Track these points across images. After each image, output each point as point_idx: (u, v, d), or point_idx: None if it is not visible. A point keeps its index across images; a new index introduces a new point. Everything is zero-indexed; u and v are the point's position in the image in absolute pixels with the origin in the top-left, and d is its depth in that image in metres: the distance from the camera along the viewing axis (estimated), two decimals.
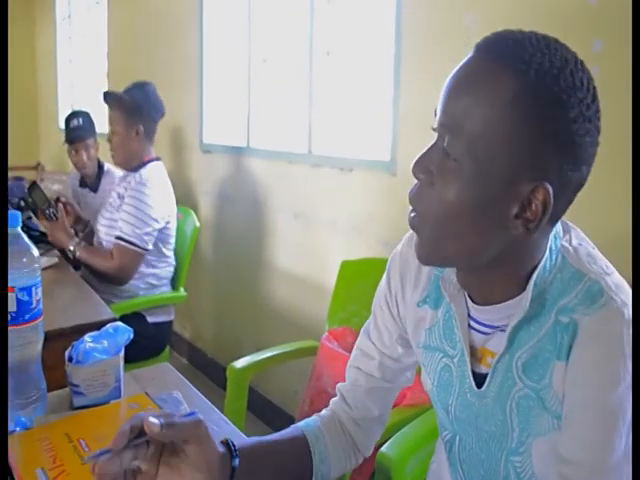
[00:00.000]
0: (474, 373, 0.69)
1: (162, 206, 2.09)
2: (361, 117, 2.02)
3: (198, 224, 2.37)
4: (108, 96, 2.12)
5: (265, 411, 2.43)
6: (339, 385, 0.89)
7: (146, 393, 1.01)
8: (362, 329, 0.88)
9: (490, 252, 0.62)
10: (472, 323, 0.69)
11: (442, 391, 0.73)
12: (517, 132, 0.56)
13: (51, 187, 4.23)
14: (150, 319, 2.20)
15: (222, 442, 0.69)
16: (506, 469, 0.67)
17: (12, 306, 0.85)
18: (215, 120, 2.80)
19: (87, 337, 1.00)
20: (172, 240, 2.22)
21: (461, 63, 0.61)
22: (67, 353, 0.98)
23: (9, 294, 0.85)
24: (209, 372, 2.87)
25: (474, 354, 0.69)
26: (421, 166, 0.61)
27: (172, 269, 2.30)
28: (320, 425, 0.84)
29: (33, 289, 0.88)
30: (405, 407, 1.31)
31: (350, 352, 1.46)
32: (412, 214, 0.64)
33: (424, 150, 0.62)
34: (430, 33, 1.68)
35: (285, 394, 2.38)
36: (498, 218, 0.59)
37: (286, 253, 2.37)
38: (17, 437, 0.87)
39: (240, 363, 1.58)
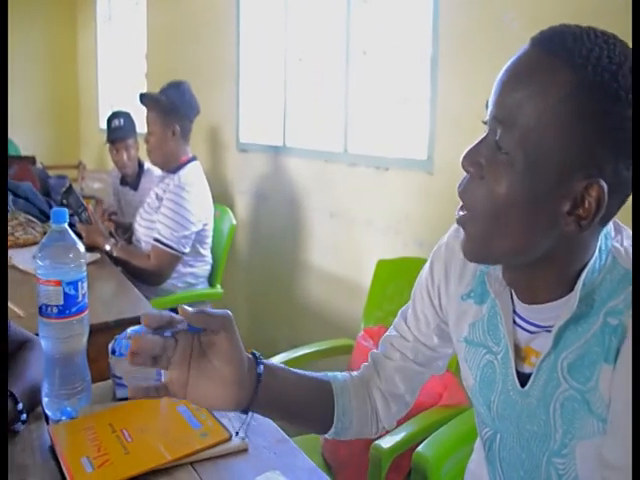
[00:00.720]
0: (517, 372, 0.68)
1: (200, 209, 2.13)
2: (397, 116, 2.01)
3: (235, 222, 2.40)
4: (144, 97, 2.16)
5: None
6: (372, 352, 0.89)
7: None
8: (400, 311, 0.88)
9: (539, 249, 0.61)
10: (517, 320, 0.68)
11: (485, 387, 0.72)
12: (572, 127, 0.55)
13: (92, 185, 4.36)
14: None
15: (247, 351, 0.71)
16: (547, 471, 0.66)
17: (59, 299, 0.88)
18: (251, 119, 2.83)
19: (130, 331, 1.03)
20: (209, 240, 2.26)
21: (515, 56, 0.59)
22: (110, 346, 1.01)
23: (55, 288, 0.88)
24: None
25: (518, 353, 0.68)
26: (471, 159, 0.60)
27: (209, 267, 2.33)
28: (348, 381, 0.84)
29: (79, 283, 0.90)
30: (442, 408, 1.30)
31: None
32: (460, 212, 0.63)
33: (473, 143, 0.61)
34: (468, 30, 1.66)
35: None
36: (550, 214, 0.58)
37: (322, 252, 2.38)
38: (63, 426, 0.90)
39: (276, 359, 1.60)
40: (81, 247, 0.93)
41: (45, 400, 0.93)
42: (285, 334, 2.65)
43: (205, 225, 2.18)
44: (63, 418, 0.93)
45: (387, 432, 0.91)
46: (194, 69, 3.24)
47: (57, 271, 0.88)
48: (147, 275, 2.10)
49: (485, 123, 0.61)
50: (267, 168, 2.69)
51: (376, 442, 1.22)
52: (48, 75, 5.89)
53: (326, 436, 0.84)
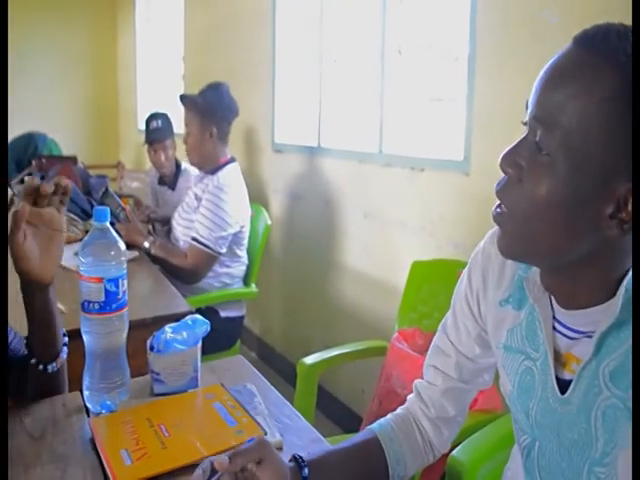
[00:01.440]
0: (557, 378, 0.66)
1: (238, 211, 2.15)
2: (433, 116, 1.99)
3: (270, 222, 2.42)
4: (184, 99, 2.20)
5: (332, 409, 2.44)
6: (416, 382, 0.89)
7: (221, 384, 1.04)
8: (440, 325, 0.88)
9: (577, 252, 0.59)
10: (557, 326, 0.67)
11: (523, 394, 0.71)
12: (616, 128, 0.53)
13: (130, 185, 4.46)
14: (223, 314, 2.27)
15: (290, 459, 0.73)
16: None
17: (100, 296, 0.90)
18: (286, 120, 2.85)
19: (167, 328, 1.05)
20: (245, 242, 2.28)
21: (557, 55, 0.58)
22: (149, 342, 1.03)
23: (97, 284, 0.90)
24: (277, 367, 2.92)
25: (558, 359, 0.67)
26: (510, 160, 0.60)
27: (244, 268, 2.36)
28: (394, 425, 0.84)
29: (120, 280, 0.92)
30: (477, 412, 1.28)
31: (420, 353, 1.45)
32: (497, 210, 0.62)
33: (512, 144, 0.60)
34: (506, 27, 1.63)
35: (352, 393, 2.39)
36: (591, 217, 0.56)
37: (356, 252, 2.38)
38: (103, 419, 0.92)
39: (310, 359, 1.60)
40: (122, 245, 0.95)
41: (86, 393, 0.96)
42: (319, 334, 2.66)
43: (242, 227, 2.21)
44: (103, 411, 0.95)
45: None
46: (230, 71, 3.28)
47: (99, 268, 0.90)
48: (184, 273, 2.13)
49: (525, 124, 0.60)
50: (302, 168, 2.70)
51: None
52: (90, 78, 6.05)
53: None
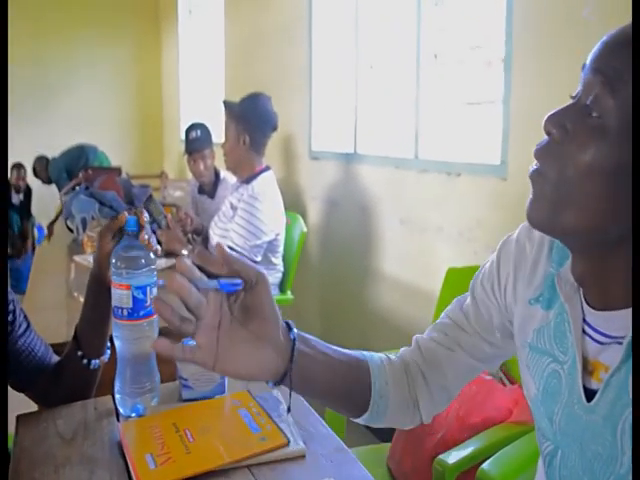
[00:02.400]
0: (585, 388, 0.63)
1: (272, 220, 2.17)
2: (469, 120, 1.95)
3: (305, 229, 2.43)
4: (224, 104, 2.27)
5: None
6: (417, 337, 0.83)
7: (248, 391, 1.04)
8: (455, 299, 0.82)
9: (614, 230, 0.55)
10: (587, 329, 0.63)
11: (548, 398, 0.68)
12: None
13: (173, 194, 4.57)
14: None
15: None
16: None
17: (129, 302, 0.92)
18: (323, 127, 2.86)
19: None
20: (280, 249, 2.30)
21: (625, 25, 0.55)
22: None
23: (125, 291, 0.92)
24: None
25: (585, 365, 0.63)
26: (556, 120, 0.56)
27: (280, 275, 2.37)
28: (385, 363, 0.78)
29: (148, 288, 0.94)
30: (511, 424, 1.24)
31: None
32: (533, 167, 0.58)
33: (559, 107, 0.57)
34: (543, 27, 1.58)
35: None
36: (631, 190, 0.52)
37: (392, 259, 2.35)
38: (132, 423, 0.94)
39: None
40: (152, 254, 0.97)
41: (117, 397, 0.98)
42: (355, 340, 2.64)
43: (277, 235, 2.23)
44: (133, 415, 0.97)
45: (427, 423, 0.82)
46: (268, 79, 3.33)
47: (128, 276, 0.92)
48: None
49: (572, 97, 0.58)
50: (338, 175, 2.70)
51: (441, 457, 1.18)
52: (135, 91, 6.26)
53: (359, 421, 0.78)
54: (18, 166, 4.61)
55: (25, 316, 1.03)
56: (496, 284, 0.76)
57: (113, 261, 0.93)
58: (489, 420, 1.35)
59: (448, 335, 0.80)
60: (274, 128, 2.27)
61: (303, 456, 0.88)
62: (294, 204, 3.05)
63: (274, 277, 2.34)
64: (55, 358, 1.06)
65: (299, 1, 2.89)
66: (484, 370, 0.82)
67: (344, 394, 0.75)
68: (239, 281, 0.61)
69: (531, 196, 0.59)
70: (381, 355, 0.80)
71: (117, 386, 0.98)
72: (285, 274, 2.41)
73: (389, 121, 2.36)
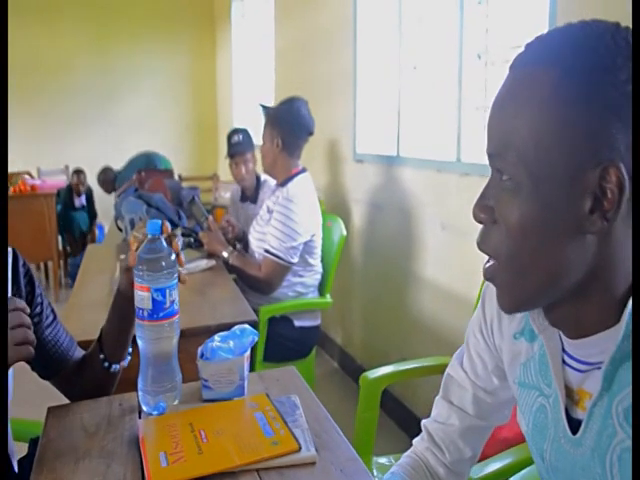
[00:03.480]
0: (571, 417, 0.60)
1: (307, 221, 2.18)
2: None
3: (345, 233, 2.42)
4: (261, 107, 2.33)
5: (411, 425, 2.39)
6: (425, 422, 0.84)
7: (266, 394, 1.05)
8: (454, 356, 0.83)
9: (573, 273, 0.54)
10: (567, 359, 0.61)
11: (537, 434, 0.65)
12: (565, 118, 0.50)
13: (224, 195, 4.67)
14: (297, 323, 2.30)
15: None
16: None
17: (149, 304, 0.95)
18: (367, 130, 2.85)
19: (217, 336, 1.08)
20: (317, 251, 2.30)
21: (497, 90, 0.57)
22: (200, 349, 1.07)
23: (145, 293, 0.95)
24: (357, 378, 2.90)
25: (570, 395, 0.60)
26: (479, 206, 0.58)
27: (319, 277, 2.37)
28: (405, 477, 0.80)
29: (167, 291, 0.95)
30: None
31: None
32: (486, 264, 0.59)
33: (482, 189, 0.59)
34: None
35: (428, 408, 2.32)
36: (573, 222, 0.52)
37: (433, 264, 2.31)
38: (151, 421, 0.97)
39: (373, 373, 1.58)
40: (173, 257, 0.98)
41: (140, 395, 1.01)
42: (396, 345, 2.61)
43: (313, 236, 2.23)
44: (155, 413, 1.00)
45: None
46: (314, 83, 3.35)
47: (148, 278, 0.95)
48: (258, 284, 2.19)
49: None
50: (381, 178, 2.68)
51: None
52: (191, 95, 6.46)
53: None
54: (78, 172, 4.83)
55: (52, 309, 1.09)
56: (483, 325, 0.75)
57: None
58: (521, 436, 1.30)
59: (453, 405, 0.80)
60: (309, 132, 2.27)
61: (314, 463, 0.88)
62: (338, 207, 3.05)
63: (312, 279, 2.35)
64: (80, 352, 1.11)
65: (345, 7, 2.89)
66: (494, 426, 0.82)
67: None
68: None
69: (497, 292, 0.59)
70: (400, 473, 0.81)
71: (140, 384, 1.01)
72: (325, 277, 2.41)
73: (431, 123, 2.32)
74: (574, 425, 0.60)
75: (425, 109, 2.36)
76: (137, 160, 4.51)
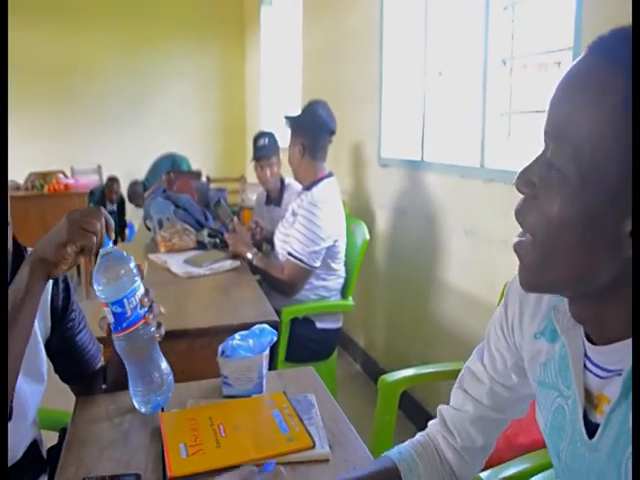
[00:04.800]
0: (589, 421, 0.61)
1: (331, 226, 2.21)
2: (537, 128, 1.89)
3: (368, 237, 2.44)
4: (285, 119, 2.37)
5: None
6: (441, 407, 0.85)
7: (284, 392, 1.08)
8: (475, 350, 0.84)
9: (602, 277, 0.54)
10: (588, 364, 0.61)
11: (555, 434, 0.66)
12: (629, 134, 0.49)
13: (251, 197, 4.73)
14: (319, 325, 2.32)
15: None
16: None
17: (111, 318, 0.93)
18: (392, 134, 2.86)
19: (237, 335, 1.11)
20: (340, 255, 2.32)
21: (570, 65, 0.55)
22: (220, 347, 1.11)
23: (106, 308, 0.92)
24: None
25: (590, 399, 0.61)
26: (523, 179, 0.57)
27: (341, 281, 2.40)
28: (414, 454, 0.81)
29: (124, 300, 0.92)
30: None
31: None
32: (515, 238, 0.59)
33: (528, 163, 0.57)
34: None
35: None
36: (609, 235, 0.51)
37: (455, 269, 2.31)
38: (172, 414, 1.01)
39: (391, 377, 1.59)
40: (125, 265, 0.92)
41: (134, 400, 1.01)
42: (418, 349, 2.62)
43: (336, 241, 2.25)
44: (152, 411, 1.01)
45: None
46: (340, 86, 3.38)
47: (102, 294, 0.92)
48: (281, 286, 2.23)
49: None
50: (406, 183, 2.69)
51: (481, 475, 1.16)
52: (219, 98, 6.57)
53: None
54: (112, 179, 4.89)
55: (83, 316, 1.14)
56: (504, 323, 0.76)
57: (94, 282, 0.93)
58: (538, 442, 1.30)
59: (468, 394, 0.81)
60: (330, 132, 2.30)
61: (327, 460, 0.90)
62: (362, 210, 3.07)
63: (335, 282, 2.37)
64: (101, 363, 1.16)
65: (371, 12, 2.91)
66: (511, 420, 0.82)
67: None
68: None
69: (519, 266, 0.60)
70: (409, 446, 0.83)
71: (130, 389, 1.01)
72: (347, 280, 2.43)
73: (456, 129, 2.33)
74: (591, 429, 0.60)
75: (450, 114, 2.37)
76: (161, 162, 4.61)
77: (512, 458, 1.27)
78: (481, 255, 2.13)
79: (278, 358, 2.17)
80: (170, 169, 4.26)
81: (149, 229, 2.72)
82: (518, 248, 0.59)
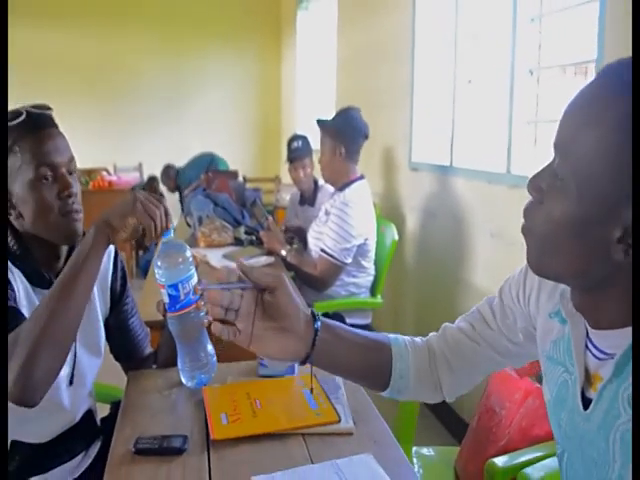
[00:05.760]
0: (585, 397, 0.69)
1: (362, 225, 2.32)
2: None
3: (397, 237, 2.53)
4: (318, 122, 2.46)
5: (450, 421, 2.49)
6: (445, 325, 0.92)
7: (314, 374, 1.19)
8: (486, 298, 0.89)
9: (595, 275, 0.63)
10: (589, 345, 0.70)
11: (558, 404, 0.74)
12: (622, 158, 0.57)
13: (285, 197, 4.86)
14: (348, 320, 2.43)
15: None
16: None
17: (166, 298, 1.03)
18: (422, 140, 2.94)
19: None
20: (370, 254, 2.43)
21: (581, 87, 0.63)
22: None
23: (162, 290, 1.03)
24: None
25: (588, 378, 0.70)
26: (533, 184, 0.66)
27: (371, 278, 2.50)
28: (408, 346, 0.89)
29: (179, 285, 1.01)
30: None
31: (522, 377, 1.46)
32: (523, 223, 0.68)
33: (540, 169, 0.67)
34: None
35: (470, 407, 2.40)
36: (601, 240, 0.60)
37: (481, 270, 2.39)
38: (214, 389, 1.13)
39: None
40: (183, 255, 1.02)
41: (181, 374, 1.13)
42: None
43: (366, 240, 2.36)
44: (196, 386, 1.12)
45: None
46: (372, 92, 3.47)
47: (161, 277, 1.03)
48: (313, 281, 2.35)
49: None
50: (435, 186, 2.77)
51: (492, 460, 1.25)
52: (256, 100, 6.75)
53: (382, 394, 0.90)
54: (153, 179, 5.08)
55: (135, 304, 1.28)
56: (521, 292, 0.83)
57: (154, 264, 1.04)
58: (551, 435, 1.37)
59: (475, 328, 0.88)
60: (366, 136, 2.42)
61: (351, 433, 1.01)
62: (393, 212, 3.16)
63: (365, 280, 2.47)
64: (149, 348, 1.30)
65: (404, 21, 3.00)
66: (508, 365, 0.90)
67: (364, 373, 0.88)
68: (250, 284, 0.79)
69: (527, 248, 0.69)
70: (406, 338, 0.91)
71: (179, 365, 1.12)
72: (376, 278, 2.53)
73: (483, 135, 2.40)
74: (586, 403, 0.69)
75: (478, 121, 2.44)
76: (200, 159, 4.77)
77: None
78: (506, 257, 2.20)
79: None
80: (208, 167, 4.42)
81: (189, 225, 2.87)
82: (524, 232, 0.68)
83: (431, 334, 0.95)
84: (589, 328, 0.70)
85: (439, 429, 2.51)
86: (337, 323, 0.87)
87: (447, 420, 2.53)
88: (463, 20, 2.53)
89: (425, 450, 1.67)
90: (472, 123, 2.50)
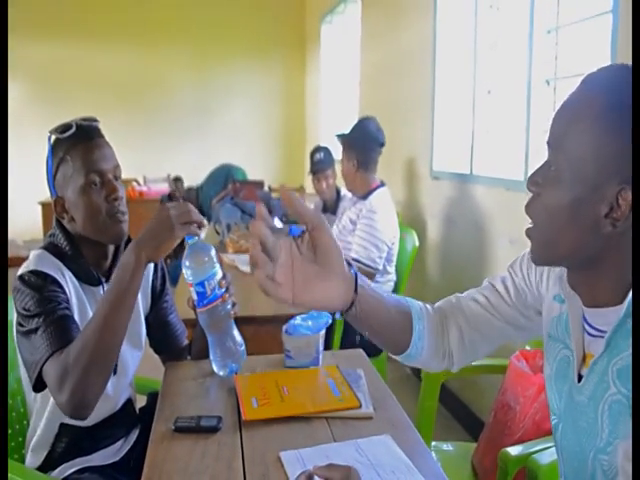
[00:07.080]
0: (580, 372, 0.77)
1: (389, 230, 2.42)
2: None
3: (417, 243, 2.61)
4: (336, 137, 2.60)
5: (466, 418, 2.57)
6: (458, 295, 0.96)
7: (337, 366, 1.28)
8: (498, 275, 0.95)
9: (589, 249, 0.71)
10: (584, 324, 0.77)
11: (559, 379, 0.82)
12: (602, 142, 0.67)
13: (309, 206, 4.97)
14: None
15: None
16: (593, 466, 0.73)
17: (194, 295, 1.13)
18: (443, 149, 3.02)
19: (299, 317, 1.32)
20: (394, 259, 2.51)
21: (569, 92, 0.74)
22: (284, 327, 1.32)
23: (190, 288, 1.12)
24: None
25: (583, 353, 0.77)
26: (532, 180, 0.75)
27: (392, 284, 2.58)
28: (424, 310, 0.90)
29: (205, 282, 1.11)
30: None
31: (536, 373, 1.52)
32: (528, 226, 0.77)
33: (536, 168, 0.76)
34: None
35: (485, 404, 2.45)
36: (590, 217, 0.69)
37: None
38: (245, 377, 1.22)
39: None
40: (208, 255, 1.12)
41: (213, 364, 1.23)
42: None
43: (392, 244, 2.45)
44: (227, 375, 1.22)
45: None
46: (397, 104, 3.57)
47: (188, 276, 1.12)
48: None
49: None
50: (456, 195, 2.84)
51: (505, 449, 1.31)
52: (280, 112, 6.91)
53: (397, 358, 0.90)
54: (176, 179, 5.20)
55: (174, 302, 1.39)
56: (532, 273, 0.90)
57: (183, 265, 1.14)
58: None
59: (490, 301, 0.92)
60: (380, 144, 2.51)
61: (371, 418, 1.09)
62: (415, 220, 3.23)
63: (387, 285, 2.55)
64: (186, 342, 1.40)
65: (425, 34, 3.09)
66: (519, 339, 0.95)
67: (392, 330, 0.86)
68: (303, 228, 0.72)
69: (530, 247, 0.77)
70: (420, 303, 0.92)
71: (211, 355, 1.22)
72: (397, 284, 2.60)
73: (502, 144, 2.47)
74: (580, 377, 0.76)
75: (497, 130, 2.52)
76: (217, 174, 4.88)
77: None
78: None
79: (333, 348, 2.37)
80: (226, 179, 4.52)
81: (218, 233, 2.99)
82: (528, 232, 0.77)
83: (442, 301, 0.96)
84: (584, 307, 0.77)
85: (457, 428, 2.57)
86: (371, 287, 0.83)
87: (465, 419, 2.59)
88: (482, 33, 2.61)
89: (444, 445, 1.74)
90: (491, 132, 2.57)
